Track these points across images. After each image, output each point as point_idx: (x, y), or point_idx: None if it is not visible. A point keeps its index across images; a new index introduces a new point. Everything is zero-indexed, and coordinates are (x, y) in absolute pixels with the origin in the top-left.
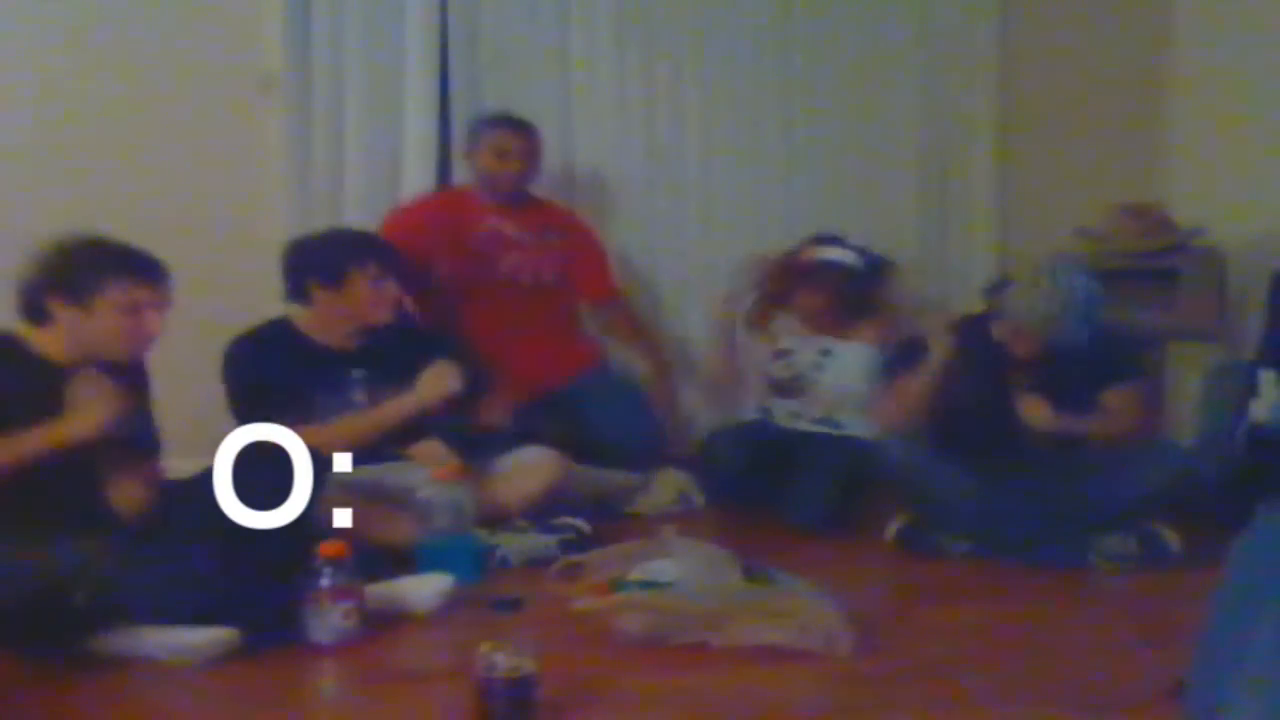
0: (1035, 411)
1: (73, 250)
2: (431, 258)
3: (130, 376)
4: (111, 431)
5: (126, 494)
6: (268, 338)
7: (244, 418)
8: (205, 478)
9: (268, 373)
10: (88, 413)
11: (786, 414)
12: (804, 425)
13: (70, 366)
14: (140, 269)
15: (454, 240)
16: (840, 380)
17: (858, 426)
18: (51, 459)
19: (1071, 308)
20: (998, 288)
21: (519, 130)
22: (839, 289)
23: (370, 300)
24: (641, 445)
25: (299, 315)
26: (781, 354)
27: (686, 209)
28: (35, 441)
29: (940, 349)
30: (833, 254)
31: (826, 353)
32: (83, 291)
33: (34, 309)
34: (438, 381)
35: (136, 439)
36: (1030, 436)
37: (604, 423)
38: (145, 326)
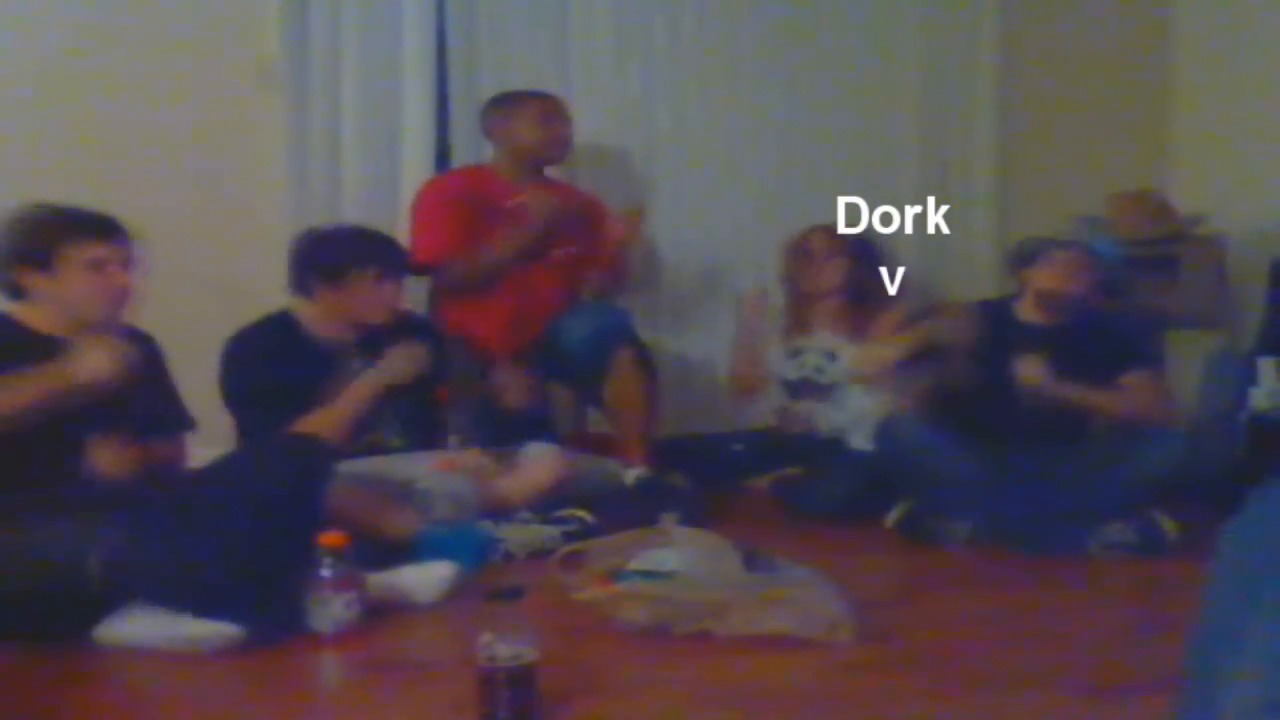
0: (1030, 371)
1: (27, 218)
2: (465, 231)
3: (138, 350)
4: (113, 386)
5: (107, 457)
6: (266, 335)
7: (241, 415)
8: (212, 468)
9: (265, 371)
10: (91, 358)
11: (802, 417)
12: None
13: (66, 338)
14: (95, 226)
15: (482, 215)
16: (846, 384)
17: (865, 439)
18: (44, 418)
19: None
20: (1026, 252)
21: (556, 97)
22: (851, 261)
23: (368, 302)
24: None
25: (301, 308)
26: (793, 354)
27: (686, 187)
28: (37, 382)
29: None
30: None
31: (833, 356)
32: (44, 256)
33: (7, 284)
34: (404, 359)
35: (148, 413)
36: (1029, 400)
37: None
38: (114, 282)
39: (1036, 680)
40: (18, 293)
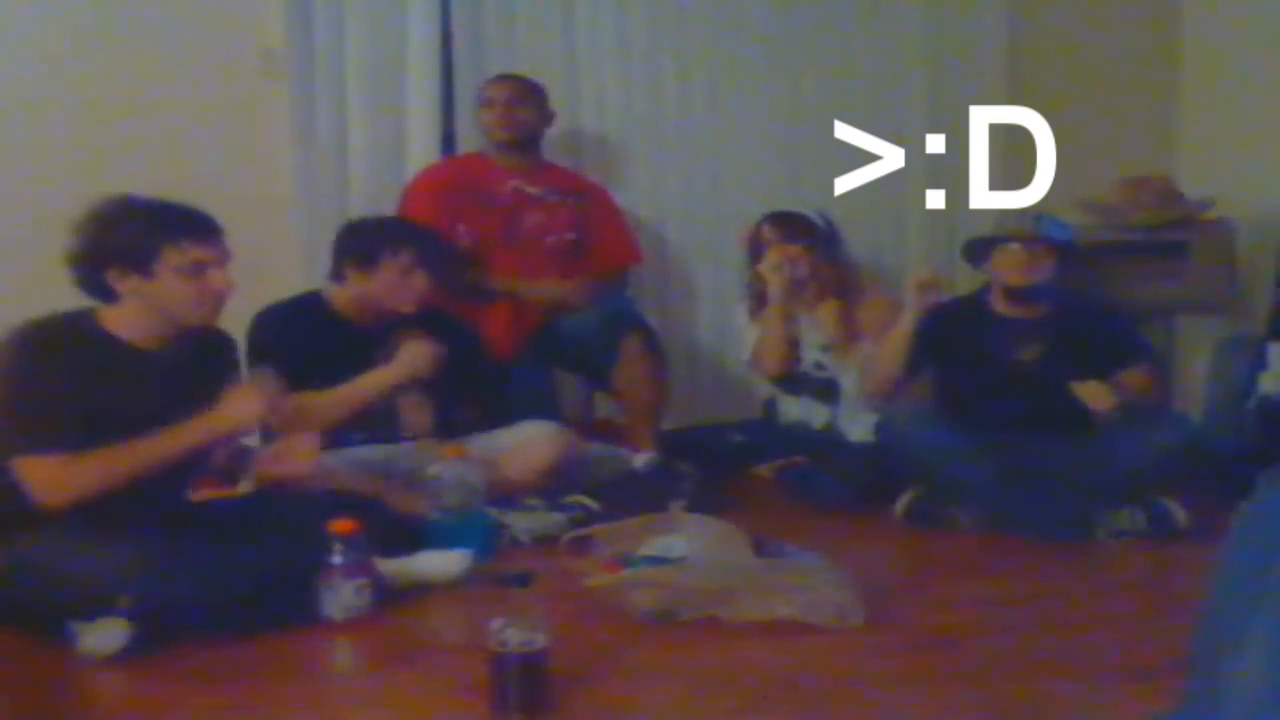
0: (1097, 397)
1: (121, 216)
2: (458, 218)
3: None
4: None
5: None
6: (296, 309)
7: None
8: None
9: (291, 342)
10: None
11: (794, 416)
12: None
13: (146, 347)
14: (196, 227)
15: (477, 201)
16: (845, 383)
17: (862, 432)
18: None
19: (1049, 219)
20: (978, 248)
21: (504, 80)
22: (810, 245)
23: (396, 289)
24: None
25: (333, 293)
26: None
27: (693, 169)
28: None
29: (912, 310)
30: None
31: (828, 351)
32: (142, 258)
33: (96, 285)
34: (415, 357)
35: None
36: (1091, 417)
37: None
38: (212, 285)
39: (1046, 666)
40: (108, 295)
